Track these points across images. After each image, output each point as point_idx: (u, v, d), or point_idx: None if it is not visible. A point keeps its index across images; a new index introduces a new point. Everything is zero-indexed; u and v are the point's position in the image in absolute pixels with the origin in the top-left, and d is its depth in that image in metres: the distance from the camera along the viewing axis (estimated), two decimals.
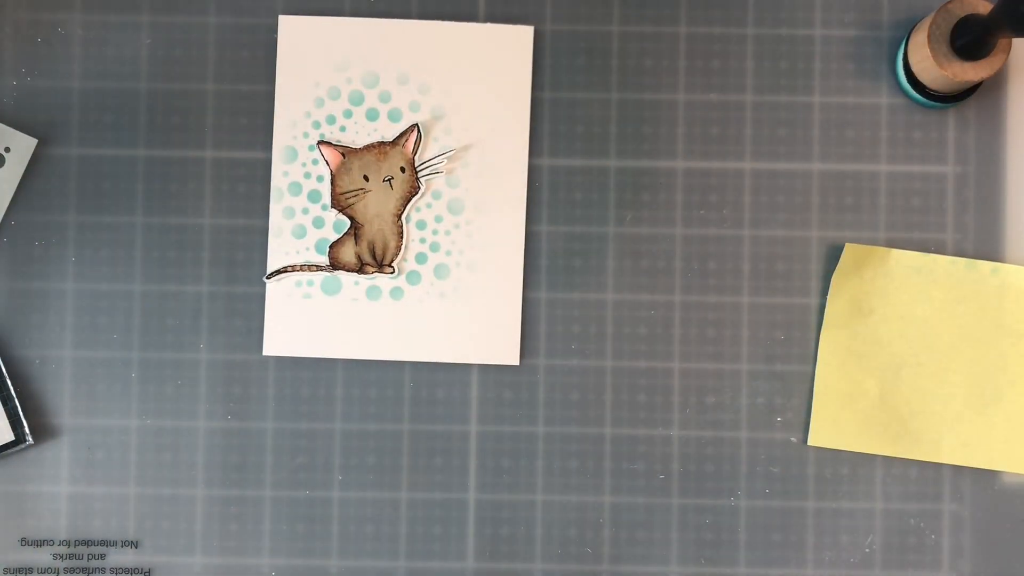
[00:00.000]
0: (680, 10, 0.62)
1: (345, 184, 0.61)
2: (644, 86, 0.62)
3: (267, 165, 0.61)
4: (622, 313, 0.61)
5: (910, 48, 0.59)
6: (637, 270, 0.61)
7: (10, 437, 0.60)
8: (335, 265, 0.60)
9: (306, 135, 0.61)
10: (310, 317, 0.61)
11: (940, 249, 0.61)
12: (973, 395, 0.60)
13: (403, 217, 0.61)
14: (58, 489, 0.60)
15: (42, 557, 0.60)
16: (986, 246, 0.61)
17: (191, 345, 0.61)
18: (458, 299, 0.61)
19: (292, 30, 0.61)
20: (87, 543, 0.60)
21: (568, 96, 0.62)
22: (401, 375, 0.61)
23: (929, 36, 0.57)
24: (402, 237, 0.61)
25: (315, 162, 0.61)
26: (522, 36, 0.61)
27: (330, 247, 0.61)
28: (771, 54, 0.62)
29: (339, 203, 0.61)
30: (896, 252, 0.61)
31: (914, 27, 0.60)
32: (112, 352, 0.61)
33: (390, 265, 0.61)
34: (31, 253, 0.61)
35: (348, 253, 0.61)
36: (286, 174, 0.61)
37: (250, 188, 0.61)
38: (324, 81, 0.61)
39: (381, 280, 0.61)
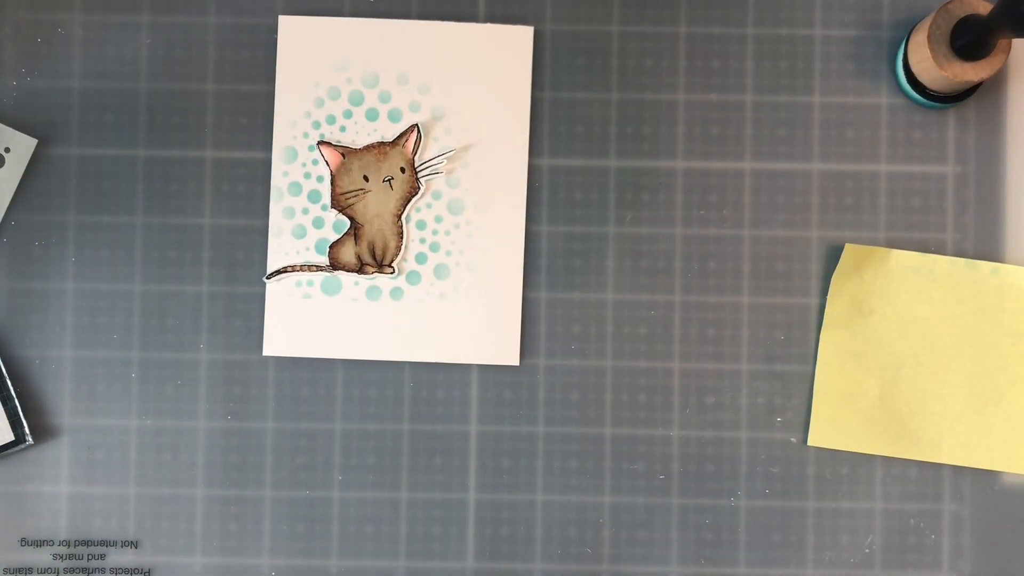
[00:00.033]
0: (680, 10, 0.62)
1: (345, 184, 0.61)
2: (644, 86, 0.62)
3: (267, 165, 0.61)
4: (622, 313, 0.61)
5: (910, 48, 0.59)
6: (637, 270, 0.61)
7: (10, 437, 0.60)
8: (335, 265, 0.60)
9: (306, 135, 0.61)
10: (310, 317, 0.61)
11: (940, 249, 0.61)
12: (973, 395, 0.60)
13: (403, 217, 0.61)
14: (58, 489, 0.60)
15: (42, 557, 0.60)
16: (986, 246, 0.61)
17: (191, 345, 0.61)
18: (458, 299, 0.61)
19: (292, 30, 0.61)
20: (87, 543, 0.60)
21: (568, 96, 0.62)
22: (401, 375, 0.61)
23: (929, 36, 0.57)
24: (402, 237, 0.61)
25: (315, 162, 0.61)
26: (522, 36, 0.61)
27: (330, 247, 0.61)
28: (771, 54, 0.62)
29: (339, 203, 0.61)
30: (896, 252, 0.61)
31: (914, 27, 0.60)
32: (112, 352, 0.61)
33: (390, 265, 0.61)
34: (31, 253, 0.61)
35: (348, 253, 0.61)
36: (286, 174, 0.61)
37: (250, 188, 0.61)
38: (324, 81, 0.61)
39: (381, 280, 0.61)
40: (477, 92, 0.61)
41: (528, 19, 0.62)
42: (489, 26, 0.61)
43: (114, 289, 0.61)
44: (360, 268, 0.61)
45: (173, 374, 0.61)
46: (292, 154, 0.61)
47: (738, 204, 0.61)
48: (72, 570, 0.60)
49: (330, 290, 0.61)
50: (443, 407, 0.61)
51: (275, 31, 0.61)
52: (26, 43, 0.61)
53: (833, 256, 0.61)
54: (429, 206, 0.61)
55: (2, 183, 0.61)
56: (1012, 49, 0.58)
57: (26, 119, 0.61)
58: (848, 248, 0.60)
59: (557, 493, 0.61)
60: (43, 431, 0.61)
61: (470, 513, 0.61)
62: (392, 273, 0.60)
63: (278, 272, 0.61)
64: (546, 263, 0.61)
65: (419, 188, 0.61)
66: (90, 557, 0.60)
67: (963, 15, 0.56)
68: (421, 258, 0.61)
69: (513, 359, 0.61)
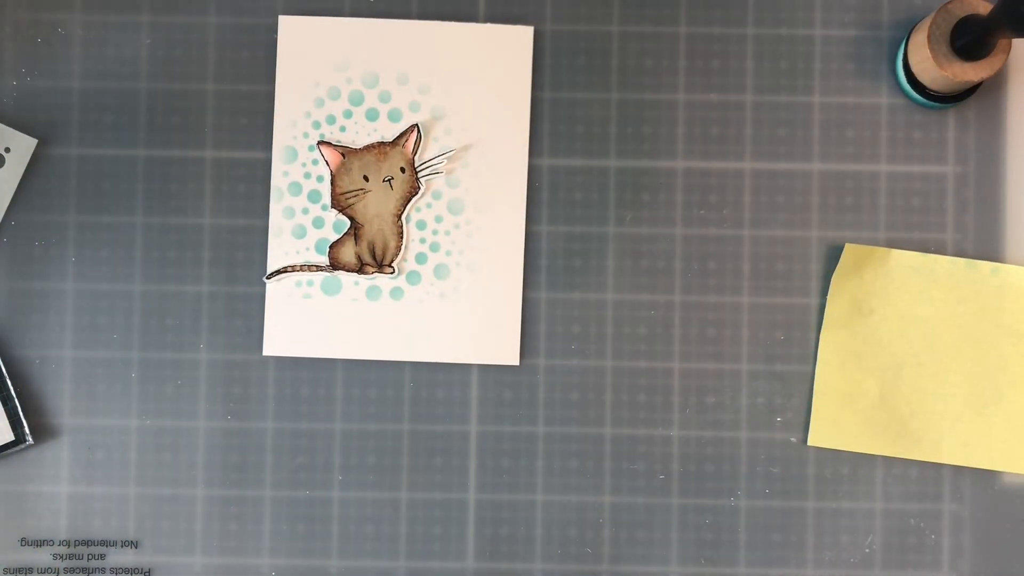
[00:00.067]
0: (680, 10, 0.62)
1: (345, 184, 0.61)
2: (644, 86, 0.62)
3: (267, 165, 0.61)
4: (622, 313, 0.61)
5: (910, 48, 0.59)
6: (637, 270, 0.61)
7: (10, 437, 0.60)
8: (335, 265, 0.60)
9: (306, 135, 0.61)
10: (310, 317, 0.61)
11: (940, 249, 0.61)
12: (973, 395, 0.60)
13: (403, 217, 0.61)
14: (58, 489, 0.60)
15: (42, 557, 0.60)
16: (986, 246, 0.61)
17: (191, 345, 0.61)
18: (458, 299, 0.61)
19: (292, 30, 0.61)
20: (87, 543, 0.60)
21: (568, 96, 0.61)
22: (401, 375, 0.61)
23: (929, 36, 0.57)
24: (402, 237, 0.61)
25: (315, 162, 0.61)
26: (522, 36, 0.61)
27: (330, 247, 0.61)
28: (771, 54, 0.62)
29: (339, 203, 0.61)
30: (896, 252, 0.61)
31: (914, 27, 0.60)
32: (112, 352, 0.61)
33: (390, 265, 0.61)
34: (31, 253, 0.61)
35: (348, 253, 0.61)
36: (286, 174, 0.61)
37: (250, 188, 0.61)
38: (324, 81, 0.61)
39: (381, 280, 0.61)
40: (477, 92, 0.61)
41: (528, 19, 0.62)
42: (489, 26, 0.61)
43: (114, 289, 0.61)
44: (360, 268, 0.61)
45: (173, 374, 0.61)
46: (292, 154, 0.61)
47: (738, 204, 0.61)
48: (72, 570, 0.60)
49: (330, 290, 0.61)
50: (443, 407, 0.61)
51: (275, 31, 0.61)
52: (26, 43, 0.61)
53: (833, 256, 0.61)
54: (429, 206, 0.61)
55: (2, 183, 0.61)
56: (1012, 49, 0.58)
57: (26, 119, 0.61)
58: (848, 248, 0.60)
59: (557, 493, 0.61)
60: (43, 431, 0.61)
61: (470, 513, 0.61)
62: (392, 273, 0.60)
63: (278, 272, 0.61)
64: (546, 263, 0.61)
65: (419, 188, 0.61)
66: (90, 557, 0.60)
67: (963, 15, 0.56)
68: (421, 258, 0.61)
69: (513, 359, 0.61)
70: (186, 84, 0.61)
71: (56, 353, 0.61)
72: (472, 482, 0.61)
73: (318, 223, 0.61)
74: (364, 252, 0.61)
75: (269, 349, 0.61)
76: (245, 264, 0.61)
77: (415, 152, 0.61)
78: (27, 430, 0.60)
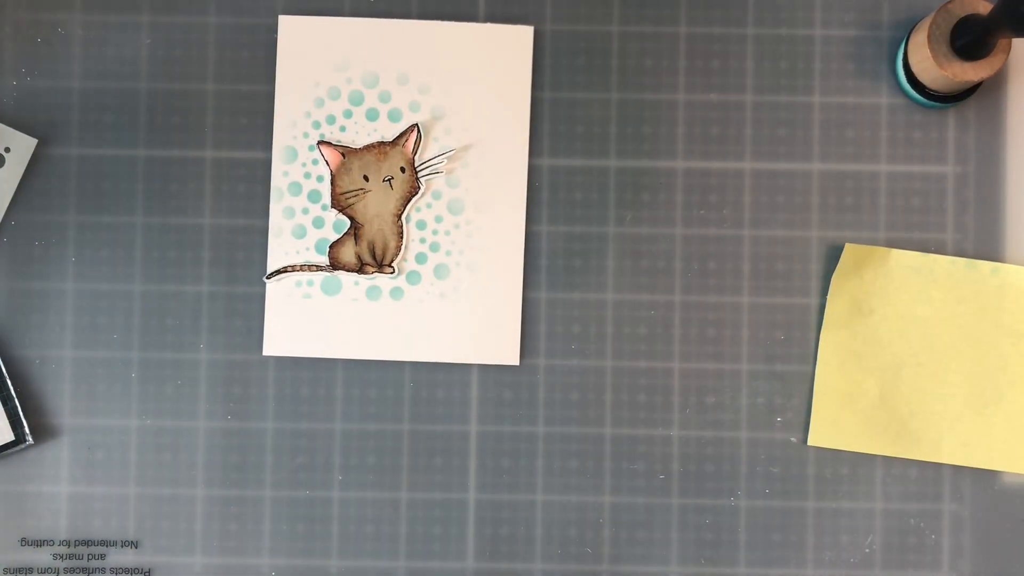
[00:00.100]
0: (680, 10, 0.62)
1: (345, 184, 0.61)
2: (644, 86, 0.62)
3: (267, 165, 0.61)
4: (622, 313, 0.61)
5: (910, 48, 0.59)
6: (637, 270, 0.61)
7: (10, 437, 0.60)
8: (335, 265, 0.60)
9: (306, 135, 0.61)
10: (310, 317, 0.61)
11: (940, 249, 0.61)
12: (973, 395, 0.60)
13: (403, 217, 0.61)
14: (58, 489, 0.60)
15: (42, 557, 0.60)
16: (986, 246, 0.61)
17: (191, 345, 0.61)
18: (458, 299, 0.61)
19: (292, 30, 0.61)
20: (87, 543, 0.60)
21: (568, 96, 0.61)
22: (401, 375, 0.61)
23: (929, 36, 0.57)
24: (402, 237, 0.61)
25: (315, 162, 0.61)
26: (522, 36, 0.61)
27: (330, 247, 0.61)
28: (771, 54, 0.62)
29: (339, 203, 0.61)
30: (896, 252, 0.61)
31: (914, 27, 0.60)
32: (112, 352, 0.61)
33: (390, 265, 0.61)
34: (31, 253, 0.61)
35: (348, 253, 0.61)
36: (286, 174, 0.61)
37: (250, 188, 0.61)
38: (324, 81, 0.61)
39: (381, 280, 0.61)
40: (477, 92, 0.61)
41: (528, 19, 0.62)
42: (489, 26, 0.61)
43: (114, 289, 0.61)
44: (360, 268, 0.61)
45: (173, 374, 0.61)
46: (292, 154, 0.61)
47: (738, 204, 0.61)
48: (72, 570, 0.60)
49: (330, 290, 0.61)
50: (443, 407, 0.61)
51: (275, 31, 0.61)
52: (26, 43, 0.61)
53: (833, 256, 0.61)
54: (429, 206, 0.61)
55: (2, 183, 0.61)
56: (1012, 49, 0.58)
57: (26, 119, 0.61)
58: (848, 248, 0.60)
59: (557, 493, 0.61)
60: (43, 431, 0.61)
61: (470, 513, 0.61)
62: (392, 273, 0.60)
63: (278, 272, 0.61)
64: (546, 263, 0.61)
65: (419, 188, 0.61)
66: (90, 557, 0.60)
67: (963, 15, 0.56)
68: (421, 258, 0.61)
69: (513, 359, 0.61)
70: (186, 84, 0.61)
71: (56, 353, 0.61)
72: (472, 482, 0.61)
73: (318, 223, 0.61)
74: (364, 252, 0.61)
75: (269, 349, 0.61)
76: (245, 264, 0.61)
77: (415, 152, 0.61)
78: (27, 430, 0.60)
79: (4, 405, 0.60)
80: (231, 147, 0.61)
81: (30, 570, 0.60)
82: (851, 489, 0.61)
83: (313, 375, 0.61)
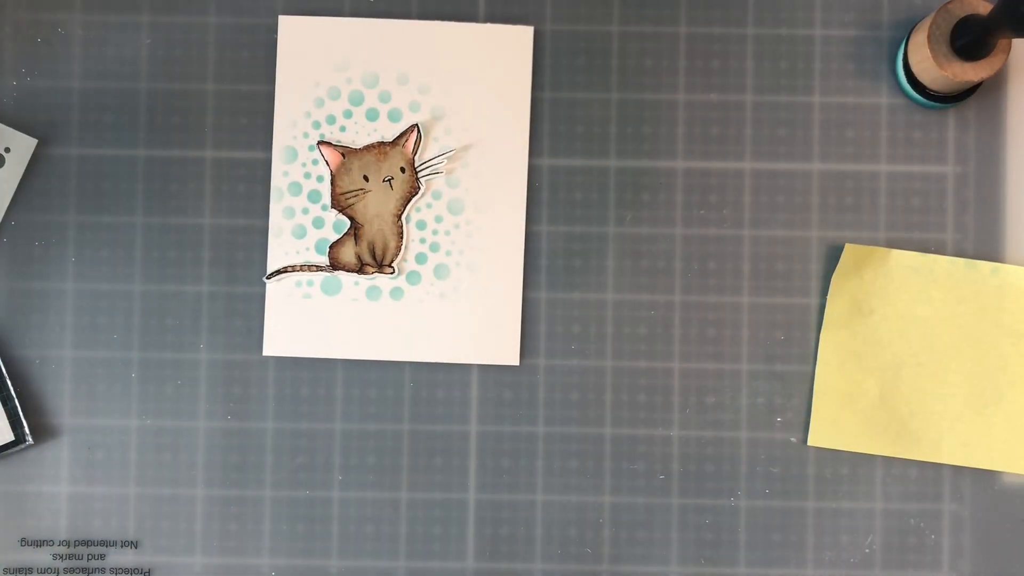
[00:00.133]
0: (680, 10, 0.62)
1: (345, 184, 0.61)
2: (644, 86, 0.62)
3: (267, 165, 0.61)
4: (622, 313, 0.61)
5: (910, 48, 0.59)
6: (637, 270, 0.61)
7: (10, 437, 0.60)
8: (335, 265, 0.60)
9: (306, 135, 0.61)
10: (310, 317, 0.61)
11: (940, 249, 0.61)
12: (973, 395, 0.60)
13: (403, 217, 0.61)
14: (58, 489, 0.60)
15: (42, 557, 0.60)
16: (986, 246, 0.61)
17: (191, 345, 0.61)
18: (458, 299, 0.61)
19: (292, 30, 0.61)
20: (87, 543, 0.60)
21: (568, 96, 0.61)
22: (401, 375, 0.61)
23: (929, 36, 0.57)
24: (402, 237, 0.61)
25: (315, 162, 0.61)
26: (522, 36, 0.61)
27: (330, 247, 0.61)
28: (771, 54, 0.62)
29: (339, 203, 0.61)
30: (896, 252, 0.61)
31: (914, 27, 0.60)
32: (112, 352, 0.61)
33: (390, 265, 0.61)
34: (31, 253, 0.61)
35: (348, 253, 0.61)
36: (286, 174, 0.61)
37: (250, 188, 0.61)
38: (324, 81, 0.61)
39: (381, 280, 0.61)
40: (477, 92, 0.61)
41: (528, 19, 0.62)
42: (489, 26, 0.61)
43: (114, 289, 0.61)
44: (360, 268, 0.61)
45: (173, 374, 0.61)
46: (292, 154, 0.61)
47: (738, 204, 0.61)
48: (72, 570, 0.60)
49: (330, 290, 0.61)
50: (443, 407, 0.61)
51: (275, 31, 0.61)
52: (26, 43, 0.61)
53: (833, 256, 0.61)
54: (429, 206, 0.61)
55: (2, 183, 0.61)
56: (1012, 49, 0.58)
57: (26, 119, 0.61)
58: (848, 248, 0.60)
59: (557, 493, 0.61)
60: (43, 431, 0.61)
61: (470, 513, 0.61)
62: (392, 273, 0.60)
63: (278, 272, 0.61)
64: (546, 263, 0.61)
65: (419, 188, 0.61)
66: (90, 557, 0.60)
67: (963, 15, 0.56)
68: (421, 258, 0.61)
69: (513, 359, 0.61)
70: (186, 84, 0.61)
71: (56, 353, 0.61)
72: (472, 482, 0.61)
73: (318, 223, 0.61)
74: (364, 252, 0.61)
75: (269, 349, 0.61)
76: (245, 264, 0.61)
77: (415, 152, 0.61)
78: (27, 430, 0.60)
79: (4, 405, 0.60)
80: (231, 147, 0.61)
81: (30, 570, 0.60)
82: (851, 489, 0.61)
83: (313, 375, 0.61)
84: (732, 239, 0.61)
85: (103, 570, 0.60)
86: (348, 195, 0.61)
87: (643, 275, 0.61)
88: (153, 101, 0.61)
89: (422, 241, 0.61)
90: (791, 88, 0.62)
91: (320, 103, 0.61)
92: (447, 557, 0.60)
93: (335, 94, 0.61)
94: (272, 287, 0.61)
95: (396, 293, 0.61)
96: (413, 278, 0.61)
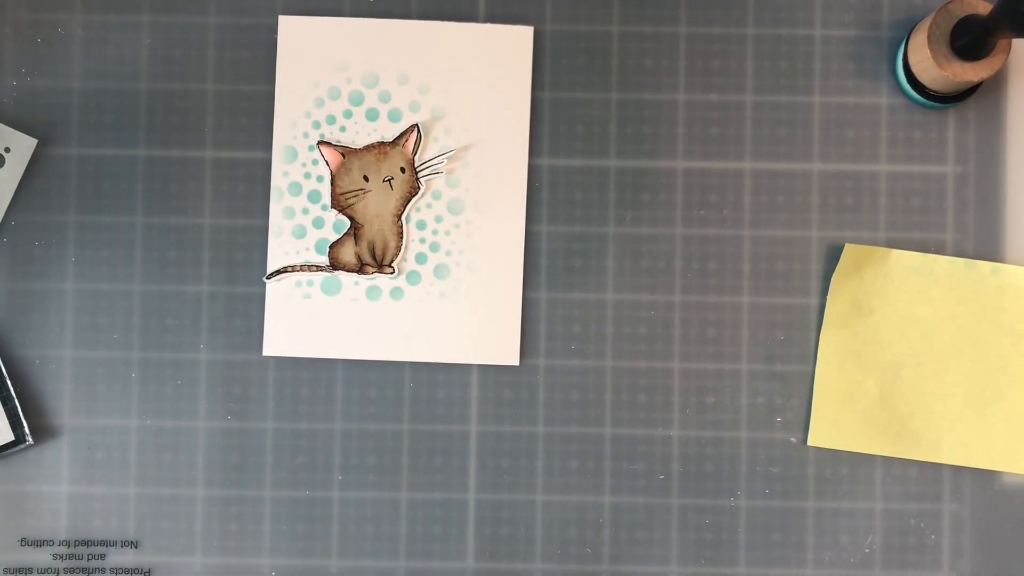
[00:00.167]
0: (680, 10, 0.62)
1: (345, 184, 0.61)
2: (644, 86, 0.62)
3: (267, 165, 0.61)
4: (622, 313, 0.61)
5: (910, 48, 0.59)
6: (637, 270, 0.61)
7: (10, 437, 0.60)
8: (335, 265, 0.60)
9: (306, 135, 0.61)
10: (310, 317, 0.61)
11: (940, 249, 0.61)
12: (973, 395, 0.60)
13: (403, 217, 0.61)
14: (58, 489, 0.60)
15: (42, 557, 0.60)
16: (986, 246, 0.61)
17: (191, 345, 0.61)
18: (458, 299, 0.61)
19: (292, 30, 0.61)
20: (87, 543, 0.60)
21: (568, 96, 0.62)
22: (401, 375, 0.61)
23: (929, 36, 0.57)
24: (402, 237, 0.61)
25: (315, 162, 0.61)
26: (522, 36, 0.61)
27: (330, 247, 0.61)
28: (771, 54, 0.62)
29: (339, 203, 0.61)
30: (896, 252, 0.61)
31: (914, 27, 0.60)
32: (112, 352, 0.61)
33: (390, 265, 0.61)
34: (31, 253, 0.61)
35: (348, 253, 0.61)
36: (286, 174, 0.61)
37: (250, 188, 0.61)
38: (324, 81, 0.61)
39: (381, 280, 0.61)
40: (477, 92, 0.61)
41: (528, 19, 0.62)
42: (489, 26, 0.61)
43: (114, 289, 0.61)
44: (360, 268, 0.61)
45: (173, 374, 0.61)
46: (292, 154, 0.61)
47: (738, 204, 0.61)
48: (72, 570, 0.60)
49: (330, 290, 0.61)
50: (443, 407, 0.61)
51: (275, 31, 0.61)
52: (26, 43, 0.61)
53: (833, 256, 0.61)
54: (429, 206, 0.61)
55: (2, 183, 0.61)
56: (1012, 49, 0.58)
57: (26, 119, 0.61)
58: (848, 248, 0.60)
59: (557, 493, 0.61)
60: (43, 431, 0.61)
61: (470, 513, 0.61)
62: (392, 273, 0.60)
63: (278, 272, 0.61)
64: (546, 263, 0.61)
65: (419, 188, 0.61)
66: (90, 557, 0.60)
67: (963, 15, 0.56)
68: (421, 258, 0.61)
69: (513, 359, 0.61)
70: (186, 84, 0.61)
71: (56, 353, 0.61)
72: (472, 482, 0.61)
73: (318, 223, 0.61)
74: (364, 252, 0.61)
75: (269, 349, 0.61)
76: (245, 264, 0.61)
77: (415, 152, 0.61)
78: (27, 430, 0.60)
79: (4, 405, 0.60)
80: (231, 147, 0.61)
81: (30, 570, 0.60)
82: (851, 489, 0.61)
83: (313, 375, 0.61)
84: (732, 239, 0.61)
85: (103, 570, 0.60)
86: (348, 195, 0.61)
87: (643, 275, 0.61)
88: (153, 101, 0.61)
89: (422, 241, 0.61)
90: (791, 88, 0.62)
91: (320, 103, 0.61)
92: (447, 557, 0.60)
93: (335, 94, 0.61)
94: (272, 287, 0.61)
95: (396, 293, 0.61)
96: (413, 278, 0.61)
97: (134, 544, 0.60)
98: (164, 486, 0.61)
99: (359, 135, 0.61)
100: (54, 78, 0.61)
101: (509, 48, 0.61)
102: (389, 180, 0.61)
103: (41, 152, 0.61)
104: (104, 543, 0.60)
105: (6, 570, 0.60)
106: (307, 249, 0.61)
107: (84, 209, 0.61)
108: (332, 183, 0.61)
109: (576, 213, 0.61)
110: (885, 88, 0.62)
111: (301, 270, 0.60)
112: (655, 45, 0.62)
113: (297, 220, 0.61)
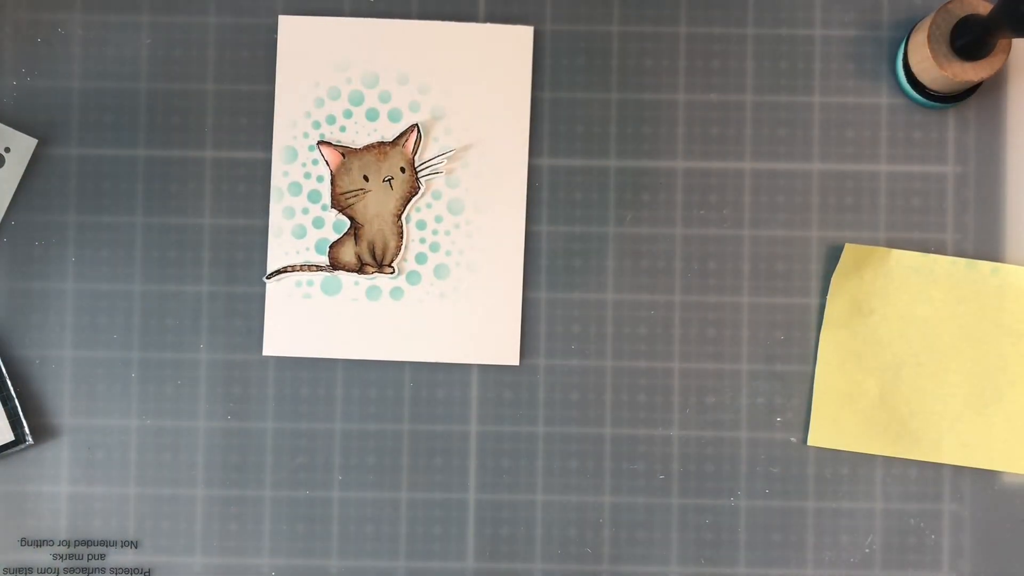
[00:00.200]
0: (680, 10, 0.62)
1: (345, 184, 0.61)
2: (644, 86, 0.62)
3: (267, 165, 0.61)
4: (622, 313, 0.61)
5: (910, 48, 0.59)
6: (637, 270, 0.61)
7: (10, 437, 0.60)
8: (335, 265, 0.60)
9: (306, 135, 0.61)
10: (310, 317, 0.61)
11: (940, 249, 0.61)
12: (973, 395, 0.60)
13: (403, 217, 0.61)
14: (58, 489, 0.60)
15: (42, 557, 0.60)
16: (986, 246, 0.61)
17: (191, 345, 0.61)
18: (458, 299, 0.61)
19: (292, 30, 0.61)
20: (87, 543, 0.60)
21: (568, 96, 0.62)
22: (401, 375, 0.61)
23: (929, 36, 0.57)
24: (402, 237, 0.61)
25: (315, 162, 0.61)
26: (522, 36, 0.61)
27: (330, 247, 0.61)
28: (771, 54, 0.62)
29: (339, 203, 0.61)
30: (896, 252, 0.61)
31: (914, 27, 0.60)
32: (112, 352, 0.61)
33: (390, 265, 0.61)
34: (31, 253, 0.61)
35: (348, 253, 0.61)
36: (286, 174, 0.61)
37: (250, 188, 0.61)
38: (324, 81, 0.61)
39: (381, 280, 0.61)
40: (477, 92, 0.61)
41: (528, 19, 0.62)
42: (489, 26, 0.61)
43: (114, 289, 0.61)
44: (360, 268, 0.61)
45: (173, 374, 0.61)
46: (292, 154, 0.61)
47: (738, 204, 0.61)
48: (72, 570, 0.60)
49: (330, 290, 0.61)
50: (443, 407, 0.61)
51: (275, 31, 0.61)
52: (26, 43, 0.61)
53: (833, 256, 0.61)
54: (429, 206, 0.61)
55: (2, 183, 0.61)
56: (1012, 49, 0.58)
57: (26, 119, 0.61)
58: (848, 248, 0.60)
59: (557, 493, 0.61)
60: (43, 431, 0.61)
61: (470, 513, 0.61)
62: (392, 273, 0.60)
63: (278, 272, 0.61)
64: (546, 263, 0.61)
65: (419, 188, 0.61)
66: (90, 557, 0.60)
67: (963, 15, 0.56)
68: (421, 258, 0.61)
69: (513, 359, 0.61)
70: (186, 84, 0.61)
71: (56, 353, 0.61)
72: (472, 482, 0.61)
73: (318, 223, 0.61)
74: (364, 252, 0.61)
75: (269, 349, 0.61)
76: (245, 264, 0.61)
77: (415, 152, 0.61)
78: (27, 430, 0.60)
79: (4, 405, 0.60)
80: (231, 147, 0.61)
81: (30, 570, 0.60)
82: (851, 489, 0.61)
83: (313, 375, 0.61)
84: (732, 239, 0.61)
85: (103, 570, 0.60)
86: (348, 195, 0.61)
87: (643, 275, 0.61)
88: (153, 101, 0.61)
89: (422, 241, 0.61)
90: (791, 88, 0.62)
91: (320, 103, 0.61)
92: (447, 557, 0.60)
93: (335, 94, 0.61)
94: (272, 287, 0.61)
95: (396, 293, 0.61)
96: (413, 278, 0.61)
97: (134, 544, 0.60)
98: (164, 486, 0.61)
99: (359, 135, 0.61)
100: (54, 78, 0.61)
101: (509, 48, 0.61)
102: (389, 180, 0.61)
103: (41, 152, 0.61)
104: (104, 543, 0.60)
105: (6, 570, 0.60)
106: (307, 249, 0.61)
107: (84, 209, 0.61)
108: (332, 183, 0.61)
109: (576, 213, 0.61)
110: (885, 88, 0.62)
111: (301, 270, 0.60)
112: (655, 45, 0.62)
113: (297, 220, 0.61)
